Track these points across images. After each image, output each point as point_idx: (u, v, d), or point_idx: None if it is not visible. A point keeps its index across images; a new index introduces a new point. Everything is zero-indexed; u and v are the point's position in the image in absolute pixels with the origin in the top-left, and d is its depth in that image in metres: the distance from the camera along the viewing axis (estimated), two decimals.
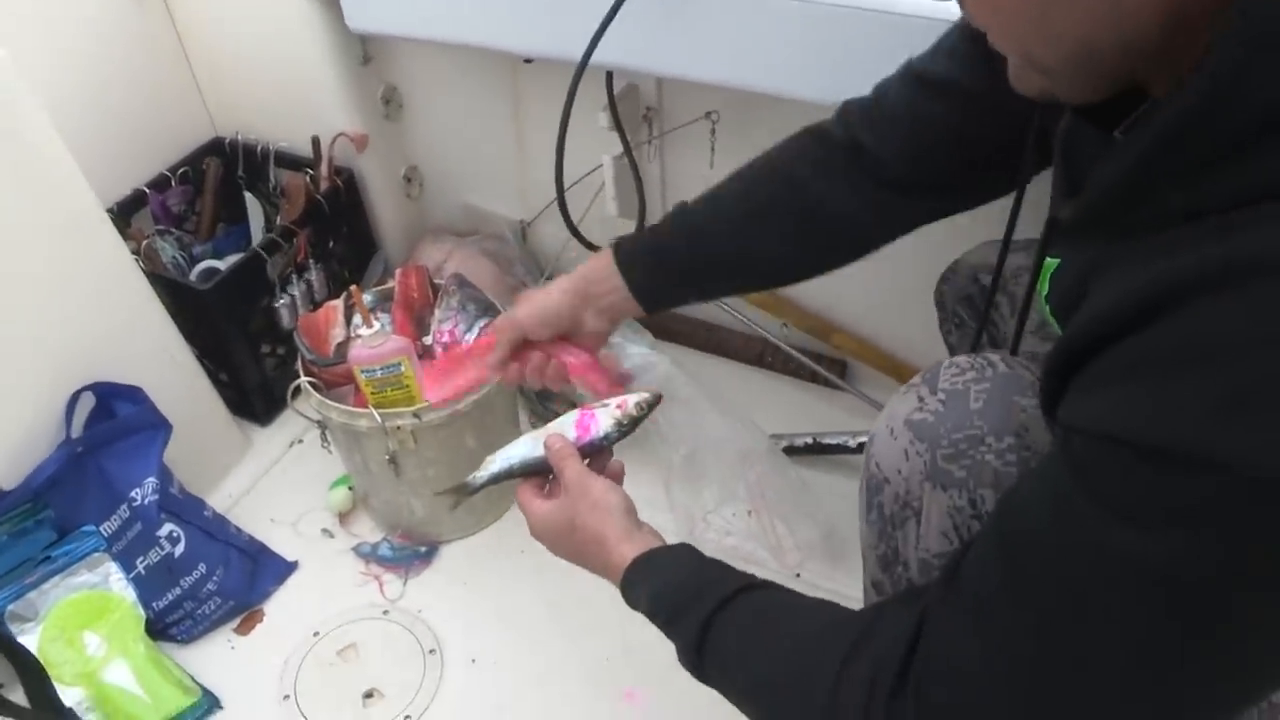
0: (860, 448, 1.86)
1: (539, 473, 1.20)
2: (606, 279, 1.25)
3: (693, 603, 0.99)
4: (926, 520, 0.99)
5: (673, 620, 1.01)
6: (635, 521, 1.11)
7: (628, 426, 1.18)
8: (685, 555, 1.06)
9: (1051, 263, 1.07)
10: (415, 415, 1.68)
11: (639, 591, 1.05)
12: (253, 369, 2.09)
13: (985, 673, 0.77)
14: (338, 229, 2.18)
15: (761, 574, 1.74)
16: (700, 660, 0.98)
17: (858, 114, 1.18)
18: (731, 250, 1.23)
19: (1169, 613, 0.68)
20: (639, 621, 1.05)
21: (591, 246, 1.82)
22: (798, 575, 1.78)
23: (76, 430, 1.75)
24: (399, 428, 1.68)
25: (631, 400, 1.19)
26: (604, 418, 1.18)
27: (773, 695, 0.93)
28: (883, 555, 1.08)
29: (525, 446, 1.20)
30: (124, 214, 2.06)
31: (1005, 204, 1.14)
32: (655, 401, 1.20)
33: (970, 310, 1.40)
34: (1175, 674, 0.70)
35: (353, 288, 1.66)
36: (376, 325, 1.65)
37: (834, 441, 1.91)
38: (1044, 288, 1.10)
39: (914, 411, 1.00)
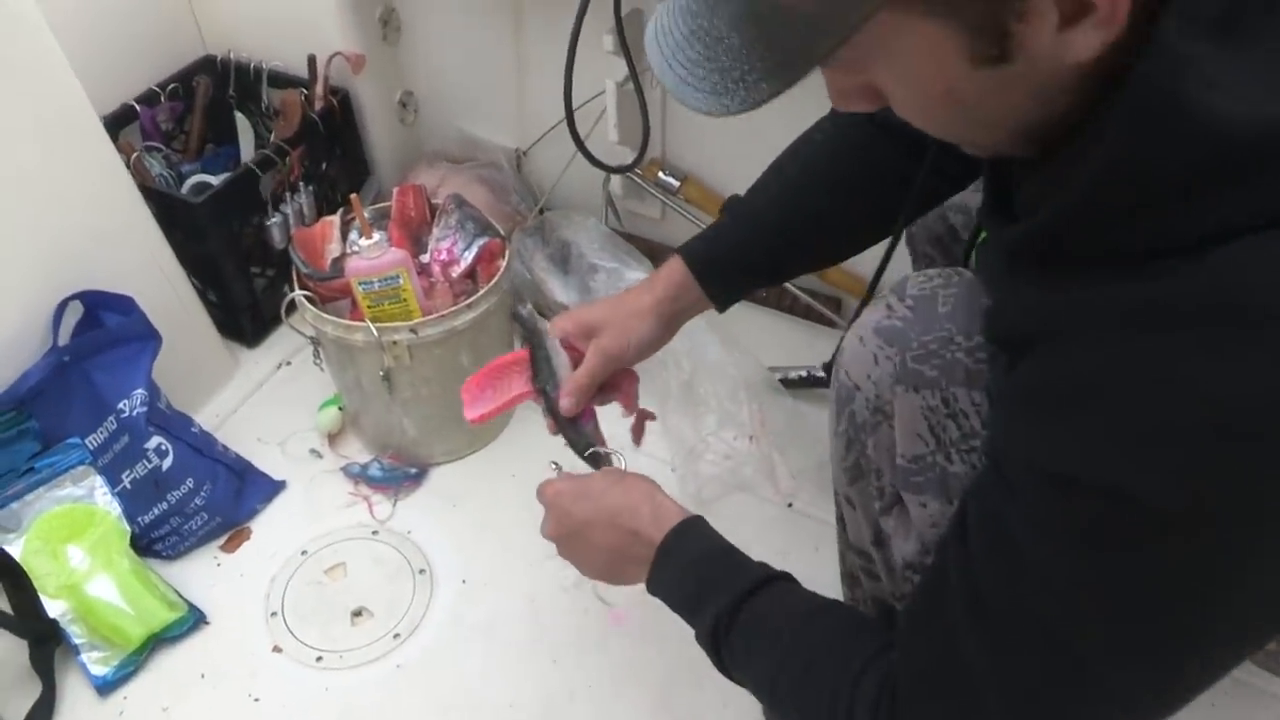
0: None
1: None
2: (689, 291, 1.23)
3: (710, 596, 1.01)
4: (900, 423, 0.99)
5: (692, 614, 1.04)
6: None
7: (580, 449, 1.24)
8: (705, 540, 1.07)
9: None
10: (413, 330, 1.65)
11: (668, 569, 1.07)
12: (242, 289, 2.05)
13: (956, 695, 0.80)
14: (331, 151, 2.14)
15: (755, 502, 1.76)
16: (720, 661, 1.01)
17: None
18: (803, 231, 1.22)
19: (1108, 630, 0.71)
20: None
21: (598, 163, 1.79)
22: (790, 505, 1.78)
23: (64, 339, 1.71)
24: (395, 343, 1.66)
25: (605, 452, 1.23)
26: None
27: (792, 702, 0.95)
28: (851, 467, 1.08)
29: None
30: (112, 128, 2.00)
31: None
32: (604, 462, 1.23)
33: (939, 250, 1.40)
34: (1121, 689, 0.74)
35: (353, 197, 1.63)
36: (376, 237, 1.62)
37: (827, 375, 1.90)
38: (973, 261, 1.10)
39: (883, 319, 1.01)
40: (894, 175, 1.17)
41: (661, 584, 1.07)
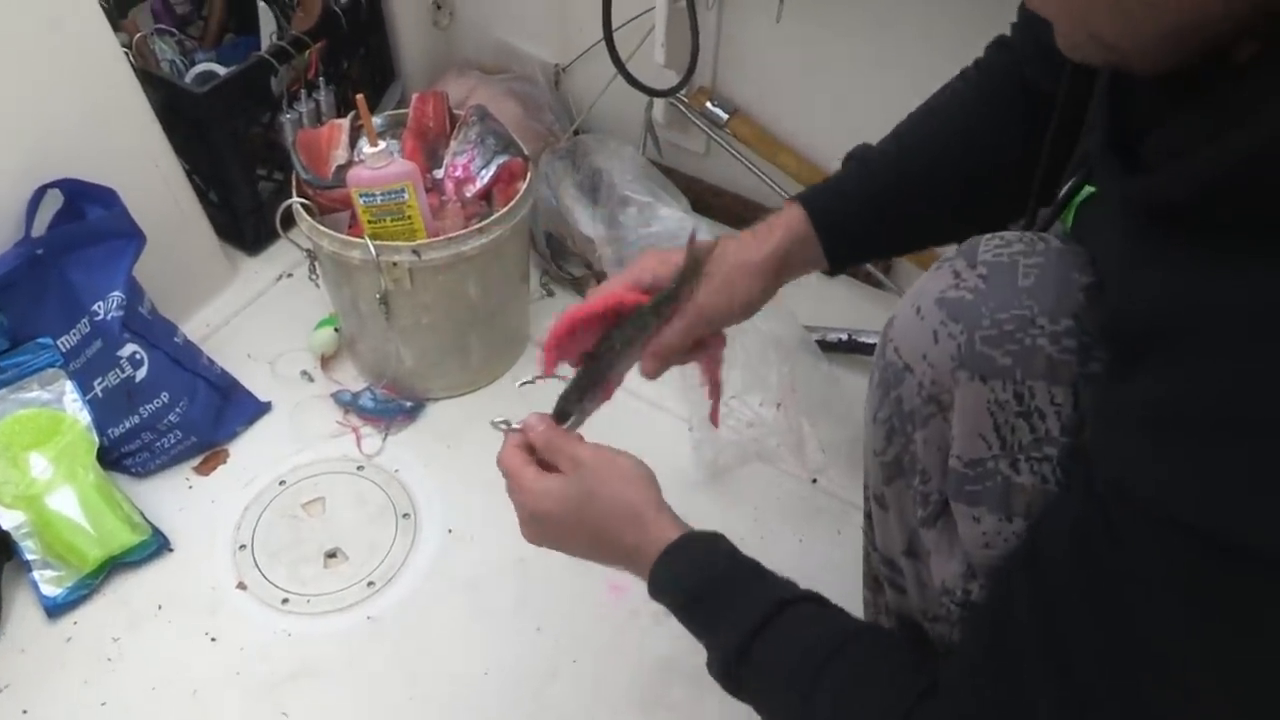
0: None
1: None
2: (807, 246, 1.05)
3: (727, 614, 0.88)
4: (960, 417, 0.81)
5: (701, 636, 0.91)
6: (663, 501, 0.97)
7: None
8: (719, 552, 0.93)
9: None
10: (415, 252, 1.50)
11: (671, 580, 0.92)
12: (246, 191, 1.91)
13: None
14: (354, 49, 1.98)
15: (776, 474, 1.61)
16: (736, 686, 0.88)
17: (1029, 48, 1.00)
18: (945, 188, 1.04)
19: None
20: None
21: (637, 84, 1.62)
22: (815, 481, 1.61)
23: (39, 230, 1.58)
24: (395, 264, 1.50)
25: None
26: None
27: None
28: (890, 462, 0.91)
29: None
30: (121, 6, 1.87)
31: None
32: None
33: None
34: None
35: (358, 98, 1.47)
36: (382, 145, 1.46)
37: (870, 341, 1.73)
38: (1068, 218, 0.91)
39: (947, 288, 0.82)
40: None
41: (662, 600, 0.94)
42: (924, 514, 0.88)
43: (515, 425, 1.02)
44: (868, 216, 1.05)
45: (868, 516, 1.01)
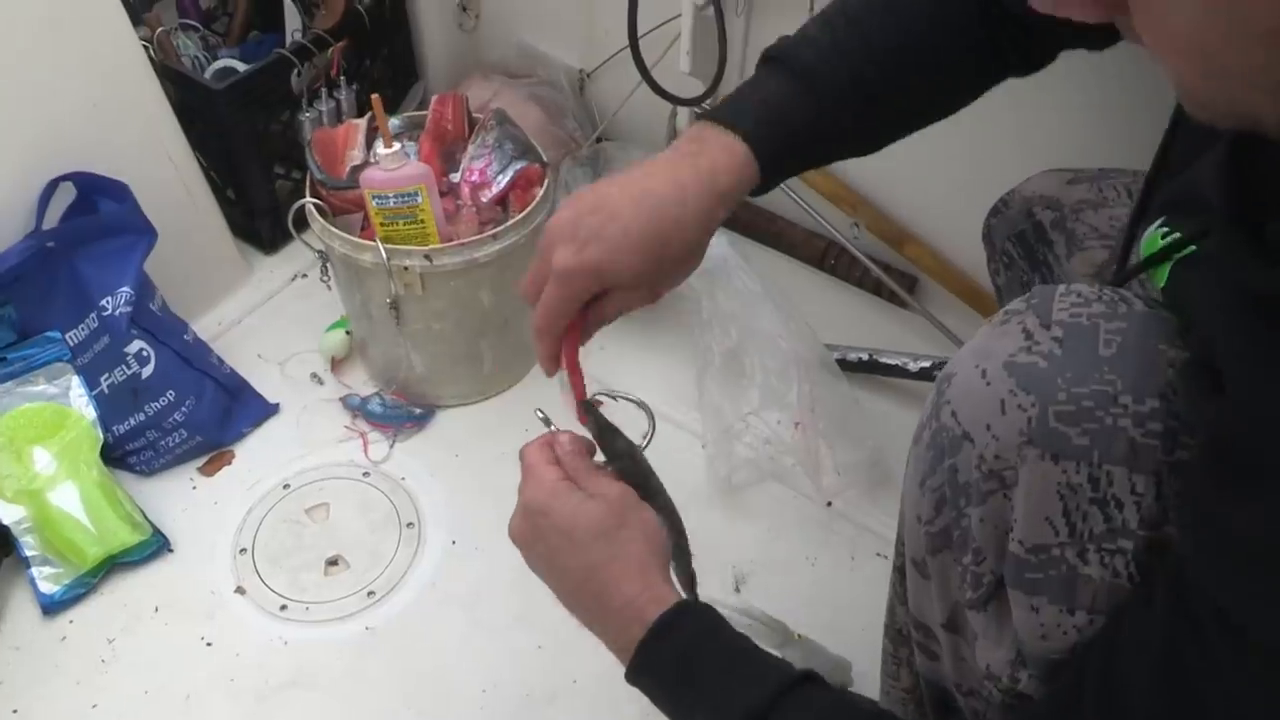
0: (922, 373, 1.64)
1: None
2: (737, 166, 0.87)
3: (740, 680, 0.79)
4: (1024, 498, 0.74)
5: (716, 691, 0.80)
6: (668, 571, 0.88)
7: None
8: (721, 622, 0.84)
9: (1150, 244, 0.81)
10: (427, 257, 1.47)
11: (670, 643, 0.82)
12: (263, 189, 1.88)
13: None
14: (377, 49, 1.96)
15: (790, 496, 1.56)
16: None
17: None
18: (864, 104, 0.91)
19: None
20: None
21: (663, 93, 1.59)
22: (829, 504, 1.57)
23: (50, 223, 1.56)
24: (406, 268, 1.48)
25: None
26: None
27: None
28: (938, 533, 0.83)
29: None
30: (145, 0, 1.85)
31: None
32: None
33: (1022, 248, 1.13)
34: None
35: (374, 97, 1.44)
36: (397, 147, 1.43)
37: (892, 362, 1.68)
38: (1160, 279, 0.81)
39: (1019, 351, 0.74)
40: (966, 35, 0.90)
41: (643, 680, 0.84)
42: (974, 595, 0.81)
43: (553, 428, 0.95)
44: (795, 129, 0.90)
45: (899, 570, 0.94)
